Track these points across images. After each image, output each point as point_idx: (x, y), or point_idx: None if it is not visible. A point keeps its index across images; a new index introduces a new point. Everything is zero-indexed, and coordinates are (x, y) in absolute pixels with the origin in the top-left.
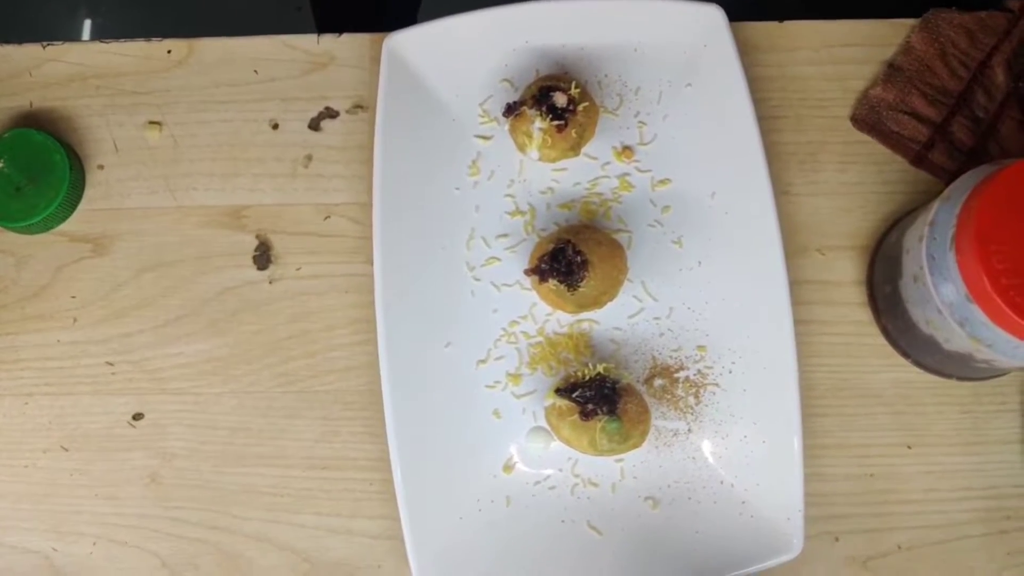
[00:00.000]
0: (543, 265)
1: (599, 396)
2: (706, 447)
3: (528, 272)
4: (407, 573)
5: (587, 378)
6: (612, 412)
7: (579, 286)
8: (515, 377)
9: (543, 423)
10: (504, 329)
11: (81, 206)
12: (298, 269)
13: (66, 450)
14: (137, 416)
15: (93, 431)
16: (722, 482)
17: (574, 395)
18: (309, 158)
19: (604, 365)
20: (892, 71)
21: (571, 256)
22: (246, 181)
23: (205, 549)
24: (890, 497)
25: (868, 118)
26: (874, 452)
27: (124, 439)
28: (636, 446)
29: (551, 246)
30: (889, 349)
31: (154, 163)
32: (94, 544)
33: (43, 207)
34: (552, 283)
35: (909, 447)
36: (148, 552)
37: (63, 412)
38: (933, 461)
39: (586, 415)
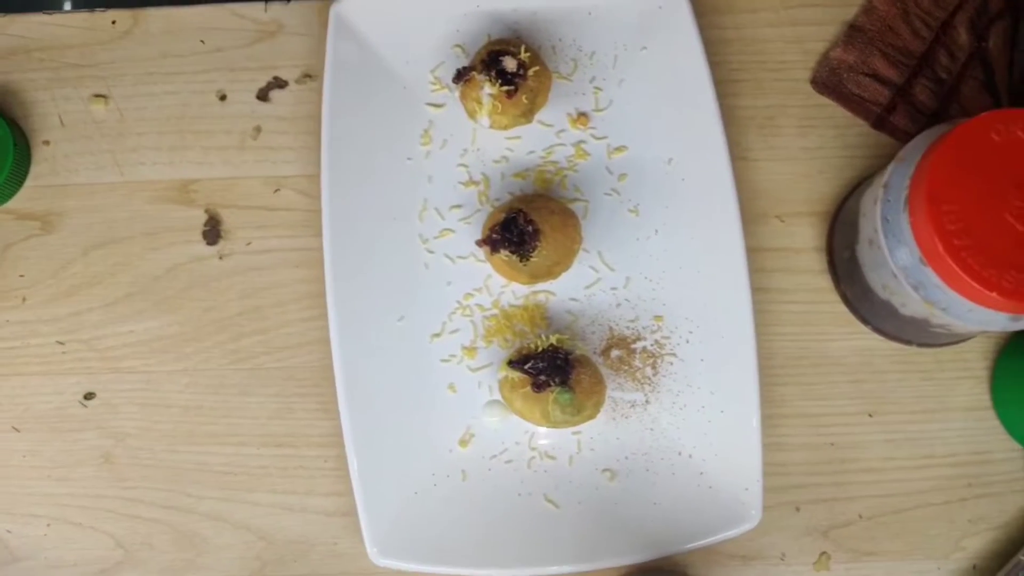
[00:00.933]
0: (494, 235)
1: (551, 367)
2: (664, 418)
3: (480, 243)
4: (363, 550)
5: (540, 350)
6: (564, 383)
7: (531, 256)
8: (470, 350)
9: (499, 396)
10: (458, 302)
11: (27, 183)
12: (248, 244)
13: (17, 431)
14: (89, 396)
15: (44, 412)
16: (680, 453)
17: (526, 366)
18: (258, 130)
19: (557, 336)
20: (853, 32)
21: (522, 226)
22: (194, 154)
23: (160, 528)
24: (851, 466)
25: (828, 80)
26: (834, 421)
27: (76, 419)
28: (590, 418)
29: (503, 216)
30: (849, 316)
31: (101, 137)
32: (48, 525)
33: None
34: (504, 254)
35: (870, 415)
36: (103, 532)
37: (13, 393)
38: (894, 429)
39: (538, 387)
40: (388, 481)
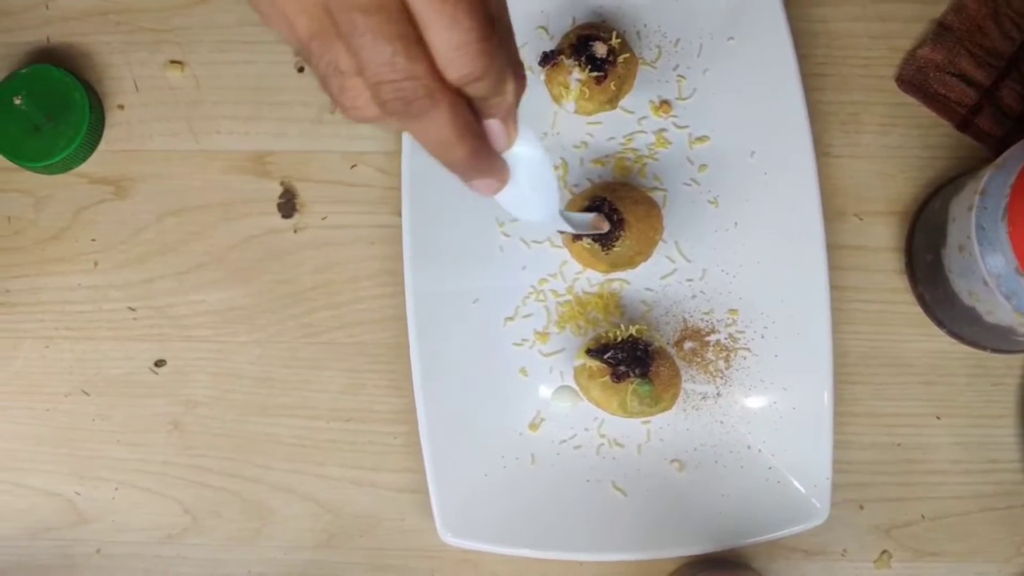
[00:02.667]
0: None
1: (631, 358)
2: (735, 411)
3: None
4: (430, 527)
5: (619, 339)
6: (644, 375)
7: (614, 245)
8: (543, 335)
9: (571, 382)
10: (533, 287)
11: (101, 147)
12: (324, 218)
13: (87, 395)
14: (159, 363)
15: (115, 377)
16: (749, 447)
17: (606, 356)
18: None
19: (636, 327)
20: (941, 30)
21: (607, 214)
22: (271, 126)
23: (227, 498)
24: (916, 467)
25: (914, 79)
26: (903, 421)
27: (146, 385)
28: (666, 409)
29: (586, 203)
30: (924, 318)
31: (176, 104)
32: (116, 489)
33: (62, 147)
34: (586, 241)
35: (938, 417)
36: (171, 499)
37: (84, 357)
38: (961, 432)
39: (618, 377)
40: (459, 462)
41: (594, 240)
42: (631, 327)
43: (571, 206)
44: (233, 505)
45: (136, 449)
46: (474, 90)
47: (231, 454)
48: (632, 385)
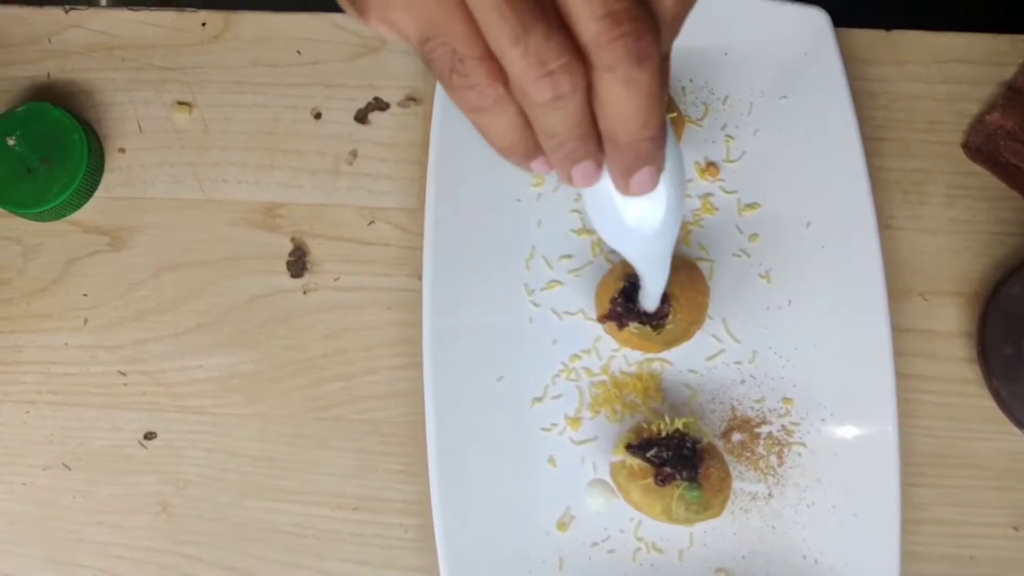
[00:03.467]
0: (617, 308)
1: (678, 458)
2: (788, 516)
3: (602, 319)
4: None
5: (664, 434)
6: (693, 478)
7: (664, 324)
8: (574, 421)
9: (604, 475)
10: (564, 364)
11: (98, 193)
12: (336, 279)
13: (69, 468)
14: (149, 435)
15: (100, 449)
16: (804, 557)
17: (649, 454)
18: (354, 154)
19: (684, 420)
20: (1012, 94)
21: None
22: (283, 175)
23: None
24: None
25: (983, 146)
26: (975, 531)
27: (134, 460)
28: (715, 516)
29: (621, 283)
30: (999, 414)
31: (182, 149)
32: None
33: (57, 192)
34: (632, 327)
35: (1016, 528)
36: None
37: (68, 425)
38: None
39: (662, 479)
40: (478, 563)
41: (642, 323)
42: (677, 420)
43: (603, 289)
44: None
45: (119, 532)
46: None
47: (224, 542)
48: (679, 490)
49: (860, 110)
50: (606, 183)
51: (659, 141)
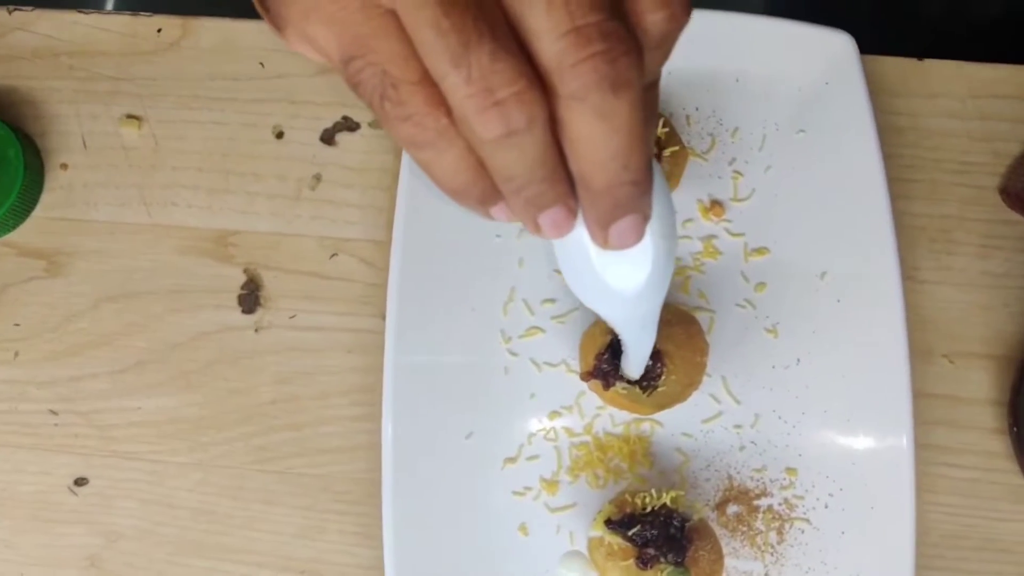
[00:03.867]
0: (603, 366)
1: (664, 538)
2: None
3: (585, 376)
4: None
5: (649, 509)
6: (680, 562)
7: (656, 385)
8: (551, 484)
9: (582, 547)
10: (542, 421)
11: (36, 212)
12: (292, 317)
13: None
14: (80, 481)
15: (25, 494)
16: None
17: (631, 532)
18: (318, 179)
19: (672, 494)
20: None
21: None
22: (238, 201)
23: None
24: None
25: (1023, 193)
26: None
27: (62, 508)
28: None
29: (608, 337)
30: None
31: (129, 168)
32: None
33: None
34: (620, 387)
35: None
36: None
37: None
38: None
39: (645, 562)
40: None
41: (631, 383)
42: (665, 493)
43: (588, 342)
44: None
45: None
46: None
47: None
48: (663, 574)
49: (886, 147)
50: (581, 233)
51: (643, 186)
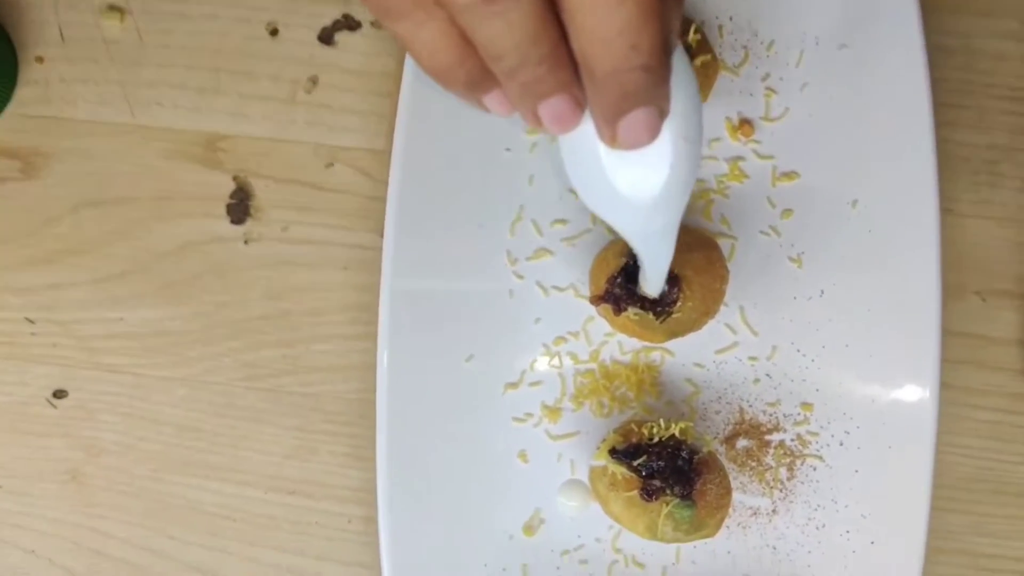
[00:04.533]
0: (615, 290)
1: (671, 470)
2: (793, 536)
3: (594, 300)
4: None
5: (656, 440)
6: (686, 495)
7: (671, 312)
8: (553, 412)
9: (583, 476)
10: (546, 346)
11: (9, 109)
12: (284, 229)
13: None
14: (59, 393)
15: (3, 405)
16: None
17: (636, 463)
18: (314, 81)
19: (681, 424)
20: None
21: None
22: (228, 102)
23: (131, 573)
24: None
25: None
26: (1007, 566)
27: (41, 420)
28: (708, 536)
29: (623, 260)
30: None
31: (110, 63)
32: None
33: None
34: (631, 312)
35: None
36: (59, 567)
37: None
38: None
39: (649, 493)
40: (427, 565)
41: (644, 308)
42: (673, 424)
43: (600, 265)
44: None
45: (21, 499)
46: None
47: (140, 519)
48: (668, 507)
49: (933, 69)
50: (589, 129)
51: (657, 74)
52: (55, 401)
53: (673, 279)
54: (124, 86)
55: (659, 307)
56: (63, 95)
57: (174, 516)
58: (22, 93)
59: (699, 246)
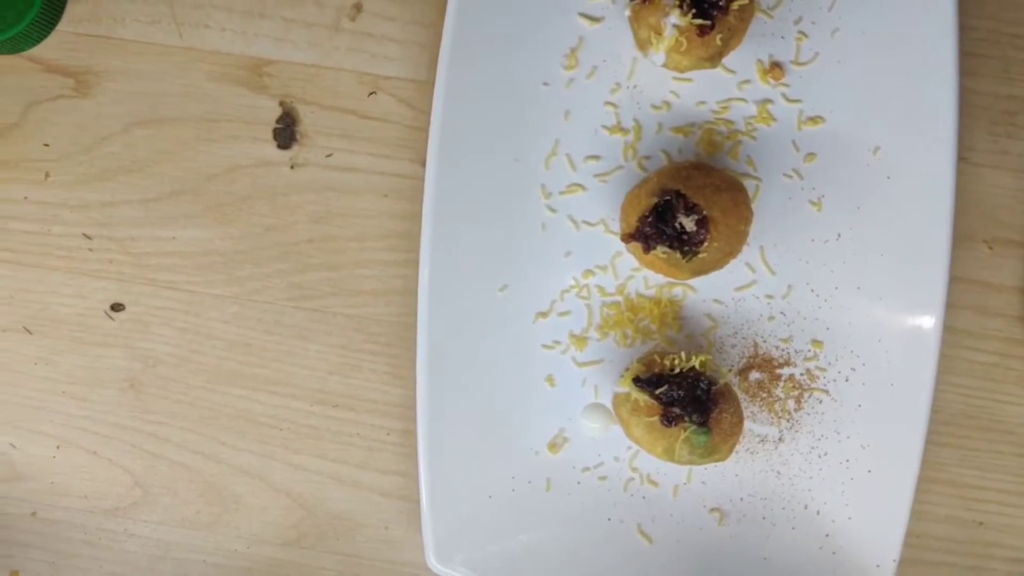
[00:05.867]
0: (646, 228)
1: (690, 399)
2: (796, 463)
3: (626, 238)
4: (416, 542)
5: (677, 370)
6: (703, 422)
7: (698, 252)
8: (580, 340)
9: (605, 400)
10: (576, 279)
11: (60, 26)
12: (329, 155)
13: (30, 333)
14: (116, 307)
15: (63, 316)
16: (806, 507)
17: (658, 391)
18: (358, 8)
19: (701, 357)
20: None
21: (682, 213)
22: (274, 27)
23: (185, 475)
24: (996, 552)
25: None
26: (990, 497)
27: (100, 331)
28: (720, 460)
29: (654, 199)
30: None
31: None
32: (58, 448)
33: (12, 21)
34: (660, 250)
35: None
36: (119, 467)
37: (27, 287)
38: None
39: (669, 420)
40: (460, 475)
41: (672, 247)
42: (694, 357)
43: (631, 204)
44: (191, 484)
45: (83, 405)
46: None
47: (194, 426)
48: (685, 432)
49: (961, 17)
50: None
51: None
52: (113, 314)
53: (702, 220)
54: (172, 6)
55: (687, 247)
56: (113, 13)
57: (225, 424)
58: (73, 11)
59: (727, 187)
